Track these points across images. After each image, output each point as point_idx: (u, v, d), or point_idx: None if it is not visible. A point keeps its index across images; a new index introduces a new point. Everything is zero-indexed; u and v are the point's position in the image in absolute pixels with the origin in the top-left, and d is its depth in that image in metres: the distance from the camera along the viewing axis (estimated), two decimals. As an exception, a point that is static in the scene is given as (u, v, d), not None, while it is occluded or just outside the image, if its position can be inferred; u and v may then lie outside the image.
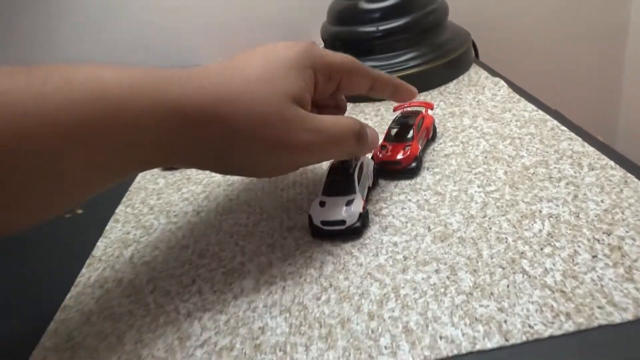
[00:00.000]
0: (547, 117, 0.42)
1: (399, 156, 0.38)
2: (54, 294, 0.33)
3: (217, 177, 0.45)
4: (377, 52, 0.57)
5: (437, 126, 0.44)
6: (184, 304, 0.30)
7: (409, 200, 0.35)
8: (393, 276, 0.29)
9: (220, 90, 0.27)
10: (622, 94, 0.84)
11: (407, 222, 0.33)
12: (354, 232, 0.32)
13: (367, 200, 0.35)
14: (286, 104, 0.28)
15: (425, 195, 0.36)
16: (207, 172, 0.47)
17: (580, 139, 0.38)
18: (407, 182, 0.38)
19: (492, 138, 0.41)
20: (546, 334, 0.23)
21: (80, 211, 0.44)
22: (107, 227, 0.41)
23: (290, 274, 0.31)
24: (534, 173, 0.35)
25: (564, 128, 0.40)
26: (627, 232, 0.28)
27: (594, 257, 0.27)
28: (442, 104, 0.50)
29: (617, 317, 0.23)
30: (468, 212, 0.33)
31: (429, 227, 0.32)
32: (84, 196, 0.26)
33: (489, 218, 0.32)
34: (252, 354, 0.26)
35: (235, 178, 0.44)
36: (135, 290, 0.32)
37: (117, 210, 0.43)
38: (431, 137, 0.42)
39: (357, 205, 0.32)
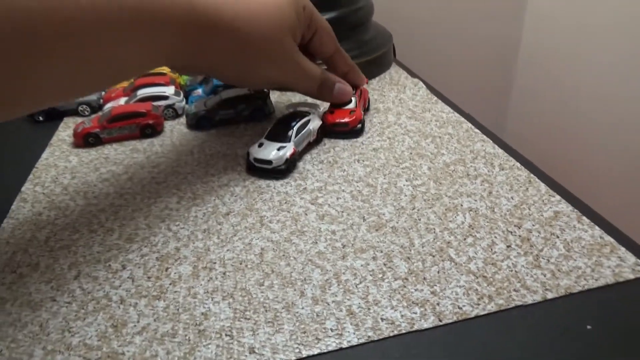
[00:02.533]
0: (462, 119, 0.47)
1: (347, 119, 0.44)
2: (-48, 280, 0.30)
3: (139, 158, 0.43)
4: (305, 43, 0.58)
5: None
6: (115, 290, 0.29)
7: (343, 190, 0.37)
8: (333, 262, 0.30)
9: (239, 7, 0.33)
10: (512, 91, 0.96)
11: (342, 212, 0.34)
12: (279, 172, 0.38)
13: (302, 153, 0.41)
14: (287, 34, 0.36)
15: (358, 186, 0.37)
16: (127, 152, 0.44)
17: (491, 141, 0.42)
18: (340, 173, 0.39)
19: (416, 135, 0.44)
20: (473, 314, 0.26)
21: (-25, 188, 0.39)
22: (13, 207, 0.37)
23: (230, 260, 0.31)
24: (454, 170, 0.39)
25: (477, 130, 0.44)
26: (533, 225, 0.32)
27: (508, 247, 0.30)
28: (367, 100, 0.52)
29: (529, 299, 0.27)
30: (399, 204, 0.35)
31: (363, 217, 0.34)
32: (98, 86, 0.30)
33: (418, 210, 0.34)
34: (196, 339, 0.25)
35: (160, 160, 0.42)
36: (55, 276, 0.30)
37: (23, 189, 0.39)
38: (367, 107, 0.49)
39: (286, 152, 0.38)
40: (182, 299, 0.28)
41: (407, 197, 0.36)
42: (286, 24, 0.35)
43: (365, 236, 0.32)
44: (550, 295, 0.27)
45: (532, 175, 0.37)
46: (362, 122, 0.45)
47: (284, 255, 0.31)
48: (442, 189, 0.36)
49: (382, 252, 0.31)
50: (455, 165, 0.39)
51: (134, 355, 0.24)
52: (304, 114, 0.42)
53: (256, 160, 0.38)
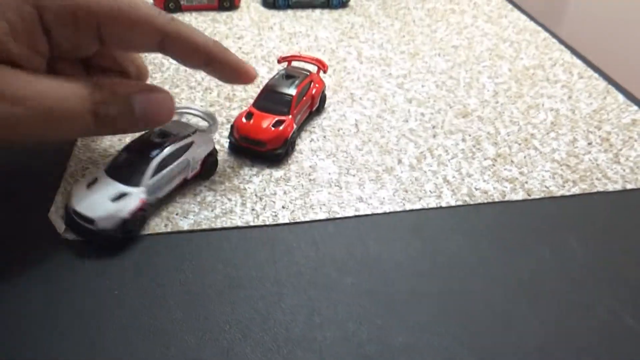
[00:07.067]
0: (539, 28, 0.47)
1: (264, 136, 0.28)
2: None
3: (221, 28, 0.43)
4: None
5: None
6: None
7: (427, 80, 0.38)
8: (425, 139, 0.32)
9: None
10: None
11: (429, 98, 0.36)
12: (106, 241, 0.23)
13: (186, 185, 0.26)
14: None
15: (441, 77, 0.39)
16: (208, 21, 0.44)
17: (569, 51, 0.43)
18: (422, 64, 0.40)
19: (494, 39, 0.45)
20: (559, 193, 0.28)
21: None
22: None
23: (328, 127, 0.33)
24: (533, 73, 0.40)
25: (554, 40, 0.45)
26: (612, 128, 0.34)
27: (589, 144, 0.32)
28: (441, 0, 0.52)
29: (610, 187, 0.29)
30: (482, 97, 0.36)
31: (449, 105, 0.35)
32: None
33: (501, 104, 0.36)
34: (308, 185, 0.28)
35: (243, 33, 0.43)
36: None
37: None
38: (316, 108, 0.33)
39: (127, 205, 0.22)
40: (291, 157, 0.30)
41: (489, 92, 0.37)
42: None
43: (452, 121, 0.34)
44: (629, 187, 0.29)
45: (609, 85, 0.39)
46: (290, 142, 0.28)
47: (377, 128, 0.33)
48: (523, 89, 0.38)
49: (470, 135, 0.33)
50: (535, 70, 0.40)
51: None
52: (186, 133, 0.25)
53: (76, 213, 0.22)
